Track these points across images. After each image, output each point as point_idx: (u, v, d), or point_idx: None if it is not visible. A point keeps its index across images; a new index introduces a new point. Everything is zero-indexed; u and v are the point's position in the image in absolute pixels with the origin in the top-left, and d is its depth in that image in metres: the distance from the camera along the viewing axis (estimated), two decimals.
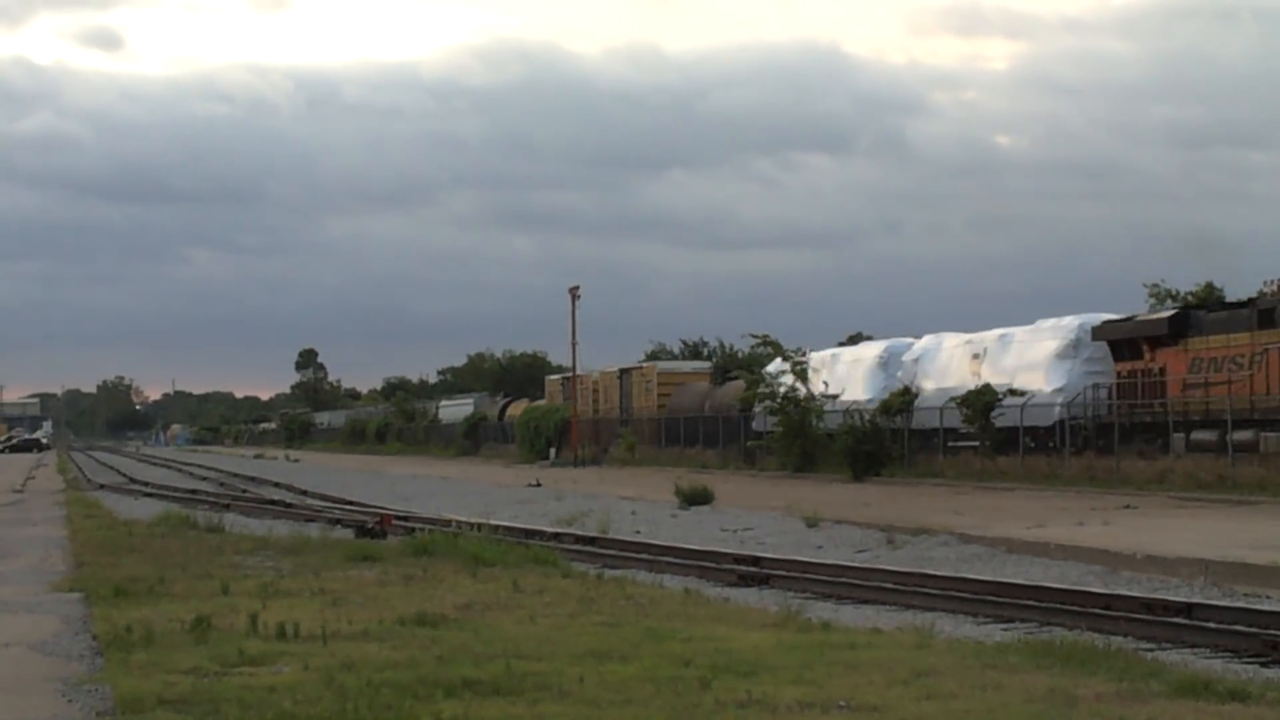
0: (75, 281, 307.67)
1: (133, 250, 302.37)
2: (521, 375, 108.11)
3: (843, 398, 51.40)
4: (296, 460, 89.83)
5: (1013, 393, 43.84)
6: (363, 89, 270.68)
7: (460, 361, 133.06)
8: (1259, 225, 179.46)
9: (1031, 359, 45.12)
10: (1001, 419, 43.92)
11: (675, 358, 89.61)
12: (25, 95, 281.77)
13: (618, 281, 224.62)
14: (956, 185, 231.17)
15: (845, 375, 54.01)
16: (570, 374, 75.90)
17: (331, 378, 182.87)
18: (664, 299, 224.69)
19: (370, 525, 27.87)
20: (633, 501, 37.58)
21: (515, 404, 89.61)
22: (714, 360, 67.12)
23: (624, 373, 74.80)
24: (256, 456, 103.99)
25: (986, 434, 44.18)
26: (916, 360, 51.55)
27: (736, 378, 62.40)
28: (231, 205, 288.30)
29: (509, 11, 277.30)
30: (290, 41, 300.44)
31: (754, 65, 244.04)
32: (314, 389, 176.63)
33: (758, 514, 31.50)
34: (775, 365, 56.58)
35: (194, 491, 47.72)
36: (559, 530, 27.77)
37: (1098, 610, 15.52)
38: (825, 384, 52.17)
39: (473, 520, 27.62)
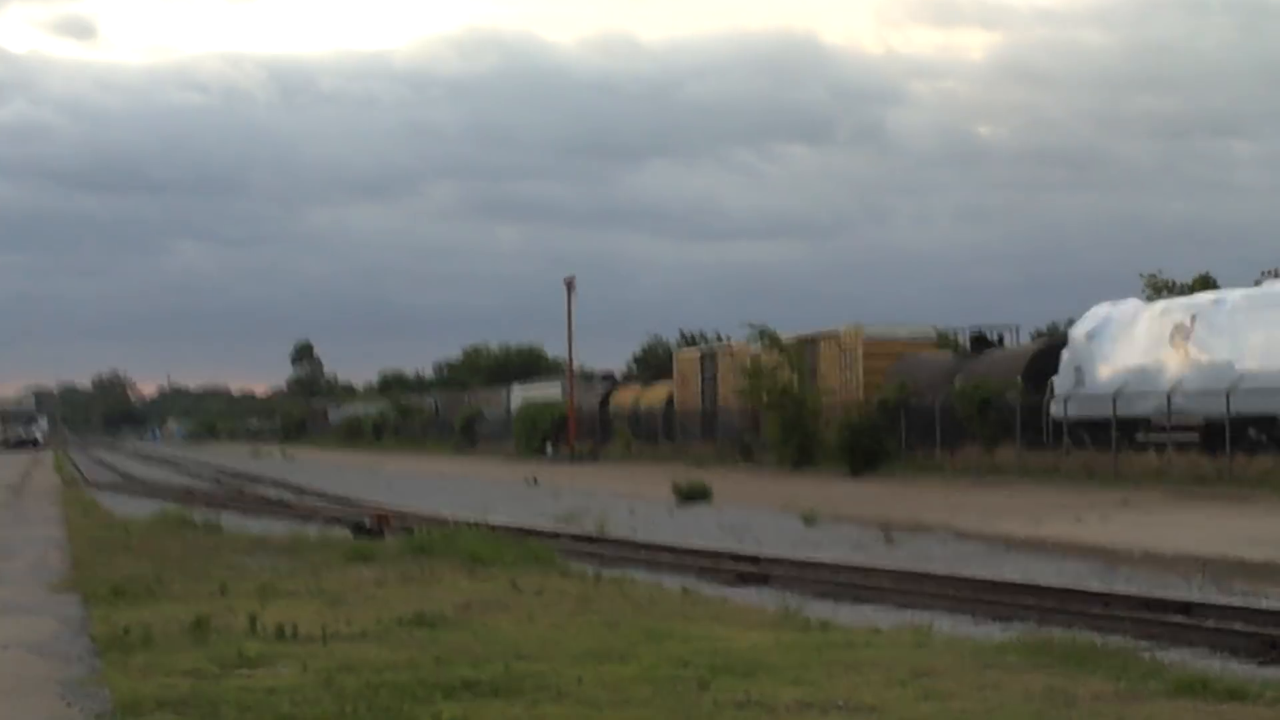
0: (61, 274, 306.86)
1: (117, 241, 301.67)
2: (518, 368, 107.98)
3: (1247, 366, 35.33)
4: (292, 458, 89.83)
5: None
6: (337, 79, 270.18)
7: (455, 354, 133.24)
8: (1244, 215, 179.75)
9: None
10: None
11: (671, 348, 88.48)
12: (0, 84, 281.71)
13: (603, 273, 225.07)
14: (940, 175, 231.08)
15: (1259, 335, 35.78)
16: (714, 346, 64.06)
17: (327, 372, 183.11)
18: (649, 290, 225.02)
19: (368, 524, 27.85)
20: (630, 499, 37.58)
21: (624, 389, 75.32)
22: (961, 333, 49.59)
23: (804, 342, 54.84)
24: (252, 454, 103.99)
25: (987, 427, 43.69)
26: None
27: (994, 345, 48.34)
28: (213, 195, 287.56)
29: (482, 0, 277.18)
30: (263, 31, 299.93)
31: (729, 55, 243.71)
32: (310, 383, 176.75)
33: (756, 511, 31.50)
34: (1096, 317, 41.08)
35: (191, 490, 47.73)
36: (557, 528, 27.76)
37: (1096, 609, 15.52)
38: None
39: (470, 518, 27.62)
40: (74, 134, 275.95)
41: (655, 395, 69.53)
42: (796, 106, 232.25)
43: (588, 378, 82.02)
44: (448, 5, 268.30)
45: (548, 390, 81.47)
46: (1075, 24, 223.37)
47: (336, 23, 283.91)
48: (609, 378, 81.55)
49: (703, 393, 62.98)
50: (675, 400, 65.32)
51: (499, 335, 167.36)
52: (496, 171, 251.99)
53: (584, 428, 71.30)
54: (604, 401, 74.73)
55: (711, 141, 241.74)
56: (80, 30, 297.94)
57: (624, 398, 72.28)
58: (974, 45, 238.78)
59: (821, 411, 50.41)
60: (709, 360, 62.25)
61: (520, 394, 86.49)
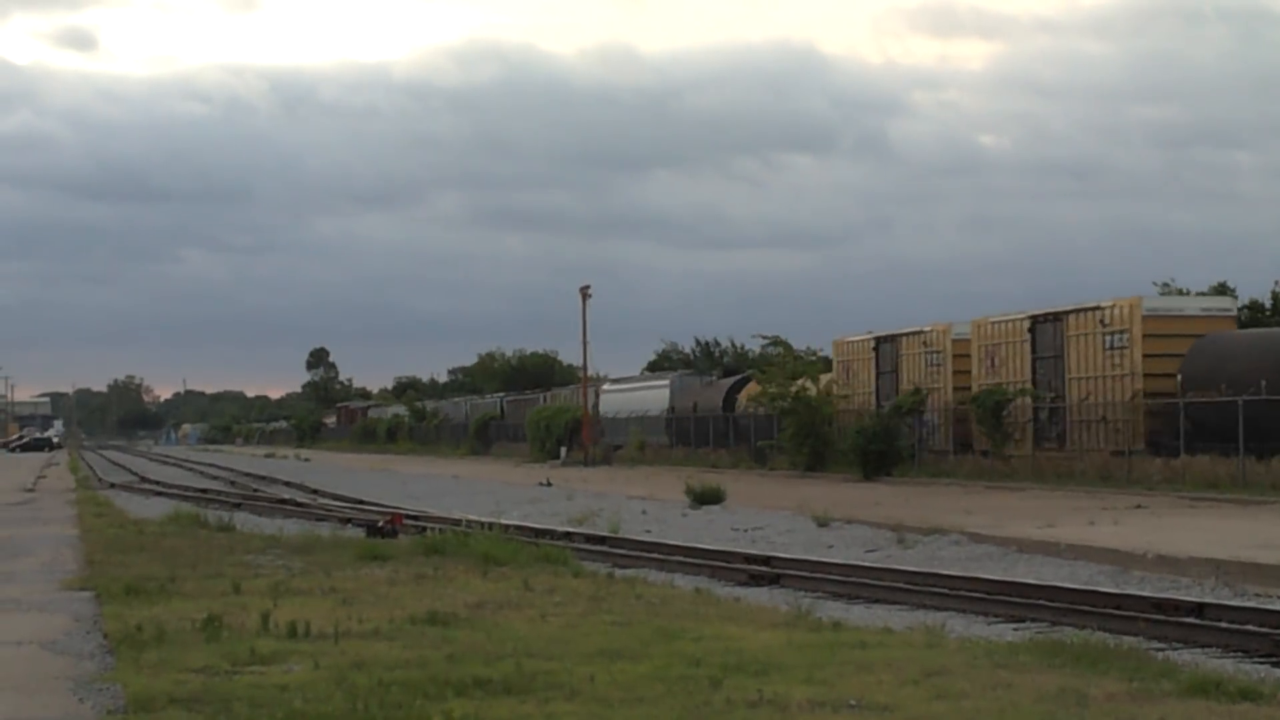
0: (72, 281, 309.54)
1: (125, 249, 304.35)
2: (532, 374, 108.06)
3: None
4: (307, 460, 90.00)
5: None
6: (338, 89, 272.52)
7: (469, 360, 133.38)
8: (1249, 225, 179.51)
9: None
10: None
11: (686, 356, 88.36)
12: (3, 95, 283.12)
13: (610, 281, 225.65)
14: (943, 185, 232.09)
15: None
16: (895, 333, 50.12)
17: (342, 377, 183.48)
18: (656, 298, 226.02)
19: (381, 524, 27.89)
20: (643, 501, 37.58)
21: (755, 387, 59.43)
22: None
23: (1043, 320, 43.84)
24: (267, 456, 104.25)
25: (999, 434, 43.58)
26: None
27: None
28: (218, 205, 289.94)
29: (482, 12, 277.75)
30: (264, 42, 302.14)
31: (729, 66, 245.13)
32: (325, 388, 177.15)
33: (768, 513, 31.48)
34: None
35: (205, 490, 47.80)
36: (570, 529, 27.77)
37: (1109, 610, 15.50)
38: None
39: (483, 519, 27.64)
40: (78, 144, 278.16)
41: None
42: (798, 116, 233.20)
43: (701, 372, 72.93)
44: (448, 17, 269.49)
45: (648, 390, 72.17)
46: (1074, 34, 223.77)
47: (337, 34, 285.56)
48: (733, 371, 68.87)
49: (878, 387, 52.20)
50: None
51: (509, 341, 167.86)
52: (501, 181, 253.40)
53: (695, 428, 63.52)
54: (729, 399, 62.42)
55: (714, 151, 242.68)
56: (82, 42, 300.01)
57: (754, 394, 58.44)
58: (974, 55, 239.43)
59: (835, 416, 50.66)
60: (887, 348, 51.89)
61: (613, 394, 75.96)
